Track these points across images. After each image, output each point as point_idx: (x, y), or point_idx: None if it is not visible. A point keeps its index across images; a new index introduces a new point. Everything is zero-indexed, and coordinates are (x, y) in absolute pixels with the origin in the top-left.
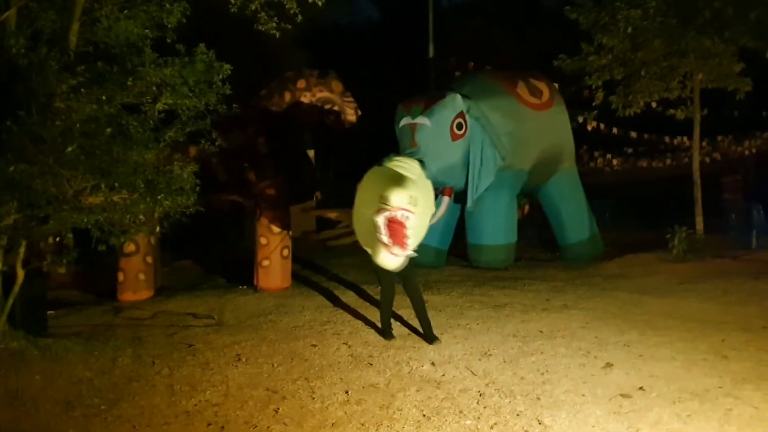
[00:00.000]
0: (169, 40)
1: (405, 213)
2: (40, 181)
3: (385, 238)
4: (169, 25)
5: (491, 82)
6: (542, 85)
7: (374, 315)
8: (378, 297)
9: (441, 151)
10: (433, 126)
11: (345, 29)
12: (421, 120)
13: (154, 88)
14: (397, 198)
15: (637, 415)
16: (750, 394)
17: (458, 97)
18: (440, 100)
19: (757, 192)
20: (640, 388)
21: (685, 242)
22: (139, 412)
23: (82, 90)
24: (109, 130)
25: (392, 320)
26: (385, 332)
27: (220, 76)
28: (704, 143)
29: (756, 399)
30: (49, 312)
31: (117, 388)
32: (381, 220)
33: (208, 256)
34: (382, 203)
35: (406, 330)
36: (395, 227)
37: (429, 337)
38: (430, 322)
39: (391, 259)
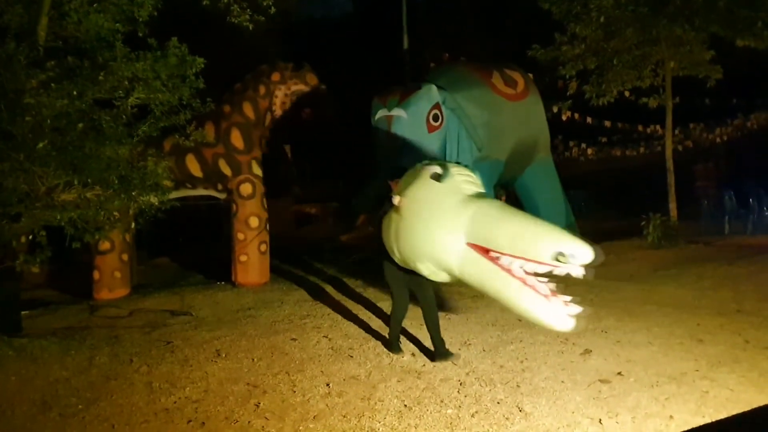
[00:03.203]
0: (140, 34)
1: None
2: (11, 178)
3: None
4: (141, 19)
5: (466, 73)
6: (517, 76)
7: (354, 308)
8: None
9: (417, 143)
10: (409, 118)
11: (319, 22)
12: (396, 112)
13: (126, 83)
14: (546, 247)
15: (616, 400)
16: (725, 377)
17: (434, 88)
18: (416, 91)
19: (728, 179)
20: (619, 373)
21: (659, 229)
22: (118, 410)
23: (53, 85)
24: (80, 125)
25: (373, 313)
26: (393, 345)
27: (193, 70)
28: (677, 131)
29: (731, 381)
30: (23, 312)
31: (94, 387)
32: (516, 267)
33: (185, 252)
34: (518, 252)
35: (386, 321)
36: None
37: (439, 353)
38: (442, 339)
39: (555, 317)
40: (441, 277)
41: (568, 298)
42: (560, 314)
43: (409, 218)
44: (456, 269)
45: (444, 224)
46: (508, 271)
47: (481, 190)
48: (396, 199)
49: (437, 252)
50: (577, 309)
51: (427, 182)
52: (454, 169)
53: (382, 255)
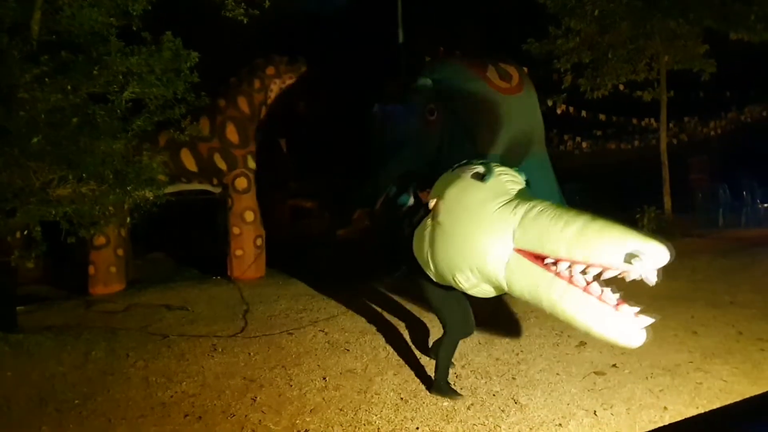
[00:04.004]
0: (134, 28)
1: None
2: (6, 173)
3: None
4: (135, 13)
5: (461, 67)
6: (512, 69)
7: (350, 302)
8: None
9: (413, 138)
10: (405, 112)
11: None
12: (392, 106)
13: (121, 77)
14: (616, 250)
15: (611, 392)
16: (719, 368)
17: (429, 82)
18: (411, 85)
19: (722, 172)
20: (613, 365)
21: (653, 222)
22: (115, 405)
23: (47, 80)
24: (75, 120)
25: (370, 307)
26: (445, 387)
27: (188, 65)
28: (671, 125)
29: (725, 372)
30: (19, 308)
31: (91, 382)
32: (576, 274)
33: (181, 247)
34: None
35: (386, 316)
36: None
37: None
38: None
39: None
40: (483, 290)
41: (637, 308)
42: (630, 327)
43: (448, 224)
44: (503, 280)
45: (489, 229)
46: (567, 279)
47: (527, 192)
48: (432, 202)
49: (482, 261)
50: (648, 320)
51: (468, 183)
52: (498, 169)
53: (415, 273)
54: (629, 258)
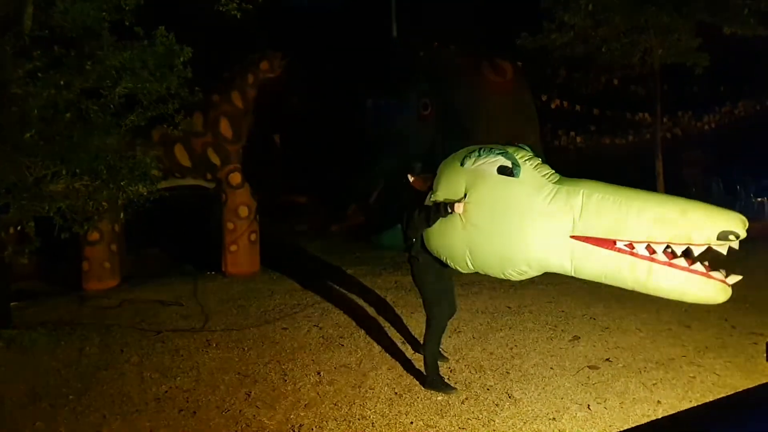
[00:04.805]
0: (127, 23)
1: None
2: None
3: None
4: (127, 8)
5: (456, 62)
6: (506, 64)
7: (344, 297)
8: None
9: (407, 131)
10: (399, 106)
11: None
12: (386, 100)
13: (114, 72)
14: (708, 229)
15: (605, 386)
16: (712, 362)
17: (423, 76)
18: (405, 79)
19: (716, 165)
20: (607, 359)
21: None
22: (109, 400)
23: (39, 75)
24: (68, 115)
25: (364, 302)
26: (439, 383)
27: (181, 60)
28: (665, 119)
29: (717, 366)
30: (12, 303)
31: (85, 377)
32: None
33: (175, 242)
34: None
35: (380, 311)
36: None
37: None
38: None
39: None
40: (530, 275)
41: (723, 270)
42: (724, 287)
43: (489, 224)
44: (570, 268)
45: (546, 223)
46: (649, 258)
47: (550, 168)
48: (459, 208)
49: (542, 255)
50: (737, 277)
51: (498, 180)
52: (519, 154)
53: (416, 267)
54: (725, 235)
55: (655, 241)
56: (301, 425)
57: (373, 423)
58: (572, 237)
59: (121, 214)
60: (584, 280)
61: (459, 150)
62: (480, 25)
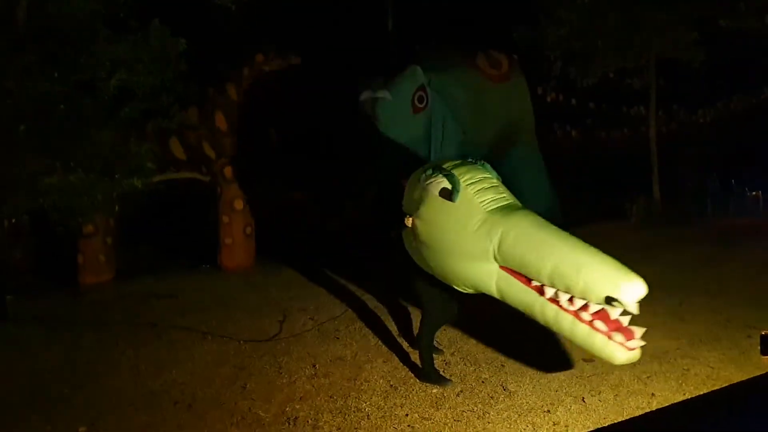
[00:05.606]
0: (121, 15)
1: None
2: None
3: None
4: (122, 0)
5: (451, 54)
6: (502, 57)
7: (339, 290)
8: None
9: (402, 125)
10: (394, 99)
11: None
12: (381, 93)
13: (108, 65)
14: (598, 289)
15: (599, 379)
16: (706, 355)
17: (418, 69)
18: (400, 73)
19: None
20: None
21: (643, 210)
22: (104, 394)
23: (34, 68)
24: (62, 107)
25: (359, 295)
26: (433, 375)
27: (176, 52)
28: (660, 113)
29: (712, 359)
30: (8, 297)
31: (80, 371)
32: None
33: (170, 236)
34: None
35: (375, 304)
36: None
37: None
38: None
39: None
40: (474, 291)
41: (632, 331)
42: (623, 352)
43: (430, 243)
44: (495, 292)
45: (469, 253)
46: (557, 305)
47: (501, 192)
48: (408, 221)
49: (470, 280)
50: (638, 343)
51: (437, 203)
52: (466, 177)
53: (408, 267)
54: (607, 299)
55: (558, 289)
56: (296, 418)
57: (368, 415)
58: (501, 267)
59: (116, 208)
60: None
61: (448, 152)
62: (476, 18)
